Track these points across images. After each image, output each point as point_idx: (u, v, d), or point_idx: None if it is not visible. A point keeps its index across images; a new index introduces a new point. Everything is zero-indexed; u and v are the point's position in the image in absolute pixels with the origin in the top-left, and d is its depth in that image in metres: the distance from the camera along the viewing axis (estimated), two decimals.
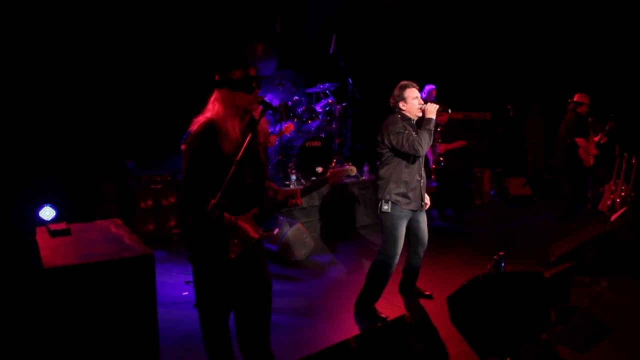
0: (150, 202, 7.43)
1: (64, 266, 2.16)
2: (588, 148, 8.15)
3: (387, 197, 4.87)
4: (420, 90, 5.13)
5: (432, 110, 4.74)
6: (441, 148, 8.69)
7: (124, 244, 2.31)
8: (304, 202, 7.50)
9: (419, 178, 4.97)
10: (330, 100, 8.84)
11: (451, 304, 4.54)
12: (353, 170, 3.95)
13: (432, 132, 4.77)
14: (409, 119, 4.89)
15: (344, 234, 7.94)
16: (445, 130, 8.76)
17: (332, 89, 8.86)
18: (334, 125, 8.89)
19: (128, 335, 2.23)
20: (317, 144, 8.24)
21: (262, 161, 3.54)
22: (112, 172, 7.83)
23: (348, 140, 9.22)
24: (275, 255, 6.55)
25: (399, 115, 4.90)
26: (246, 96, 3.29)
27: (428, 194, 5.24)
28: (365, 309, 5.09)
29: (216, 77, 3.34)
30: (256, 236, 3.40)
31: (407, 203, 4.91)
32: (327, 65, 9.04)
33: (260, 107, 3.34)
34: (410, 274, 5.53)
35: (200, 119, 3.33)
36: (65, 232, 2.58)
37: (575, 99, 8.27)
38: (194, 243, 3.43)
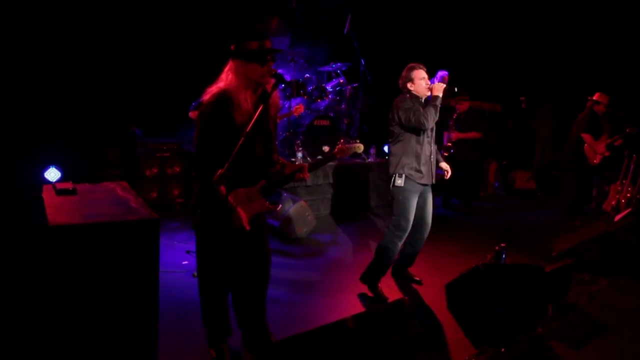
0: (155, 170, 7.42)
1: (68, 225, 2.14)
2: (595, 146, 8.09)
3: (401, 171, 5.01)
4: (433, 75, 5.25)
5: (438, 88, 4.92)
6: (454, 136, 8.63)
7: (129, 207, 2.29)
8: (308, 180, 7.52)
9: (430, 153, 5.12)
10: (341, 80, 8.78)
11: (449, 291, 4.55)
12: (360, 147, 3.95)
13: (438, 109, 4.92)
14: (417, 97, 5.05)
15: (347, 214, 7.94)
16: (463, 118, 8.69)
17: (343, 69, 8.79)
18: (343, 106, 8.84)
19: (128, 297, 2.22)
20: (325, 123, 8.20)
21: (272, 134, 3.53)
22: (118, 138, 7.83)
23: (357, 121, 9.17)
24: (276, 231, 6.56)
25: (408, 95, 5.07)
26: (259, 68, 3.27)
27: (435, 182, 5.26)
28: (371, 284, 5.21)
29: (232, 47, 3.31)
30: (248, 228, 3.38)
31: (420, 177, 5.05)
32: (340, 45, 8.97)
33: (273, 80, 3.32)
34: (407, 256, 5.54)
35: (213, 89, 3.32)
36: (71, 192, 2.57)
37: (594, 98, 8.20)
38: (199, 212, 3.43)
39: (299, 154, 7.73)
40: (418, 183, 5.05)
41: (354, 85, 8.93)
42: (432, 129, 5.11)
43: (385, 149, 9.41)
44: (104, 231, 2.08)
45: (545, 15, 10.98)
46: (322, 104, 8.56)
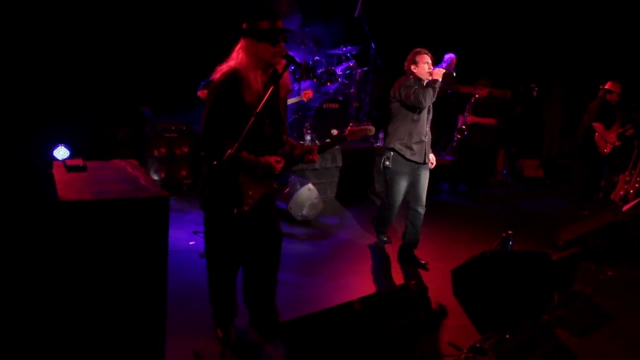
0: (163, 150, 7.42)
1: (78, 201, 2.14)
2: (606, 135, 8.02)
3: (391, 145, 5.36)
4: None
5: (438, 73, 5.20)
6: (470, 119, 8.60)
7: (139, 184, 2.28)
8: (317, 162, 7.51)
9: (425, 134, 5.37)
10: (351, 64, 8.73)
11: (455, 277, 4.55)
12: (372, 130, 3.95)
13: (437, 91, 5.20)
14: (419, 79, 5.31)
15: (354, 198, 7.94)
16: (480, 103, 8.66)
17: (354, 52, 8.74)
18: (352, 90, 8.80)
19: (137, 273, 2.22)
20: (334, 106, 8.18)
21: (282, 115, 3.52)
22: (127, 117, 7.82)
23: (366, 105, 9.14)
24: (283, 213, 6.56)
25: (411, 76, 5.35)
26: (270, 48, 3.25)
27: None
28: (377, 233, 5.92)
29: (243, 26, 3.30)
30: (280, 166, 3.39)
31: (411, 154, 5.31)
32: (351, 28, 8.91)
33: (284, 61, 3.31)
34: (409, 235, 5.61)
35: (224, 68, 3.31)
36: (81, 168, 2.57)
37: (606, 86, 8.12)
38: (208, 192, 3.43)
39: (308, 137, 7.72)
40: (408, 160, 5.29)
41: (364, 69, 8.89)
42: (429, 112, 5.39)
43: None
44: (114, 208, 2.08)
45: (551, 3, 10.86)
46: (331, 87, 8.53)
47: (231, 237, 3.52)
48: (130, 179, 2.36)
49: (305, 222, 6.60)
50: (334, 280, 5.10)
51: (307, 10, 8.96)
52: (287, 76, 3.48)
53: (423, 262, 5.61)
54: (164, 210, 2.16)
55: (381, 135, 8.59)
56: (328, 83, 8.43)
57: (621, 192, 8.08)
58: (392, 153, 5.35)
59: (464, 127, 8.59)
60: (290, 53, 8.76)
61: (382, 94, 9.12)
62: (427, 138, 5.39)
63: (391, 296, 3.42)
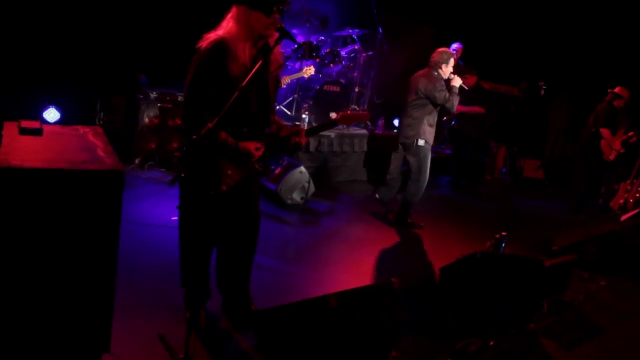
0: (155, 120, 7.19)
1: (19, 168, 1.90)
2: (612, 142, 7.82)
3: (422, 135, 6.07)
4: (447, 47, 6.12)
5: (457, 80, 6.08)
6: (457, 108, 8.38)
7: (95, 155, 2.06)
8: (311, 146, 7.28)
9: (435, 122, 6.27)
10: (356, 47, 8.49)
11: (443, 276, 4.38)
12: (366, 117, 3.73)
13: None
14: (442, 78, 6.06)
15: (347, 185, 7.74)
16: (468, 93, 8.44)
17: (360, 35, 8.48)
18: (355, 74, 8.56)
19: (83, 249, 2.00)
20: (335, 88, 7.94)
21: (270, 92, 3.29)
22: (123, 84, 7.59)
23: (368, 90, 8.90)
24: (272, 195, 6.36)
25: (435, 73, 6.03)
26: (264, 18, 3.01)
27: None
28: (404, 223, 6.35)
29: None
30: (258, 154, 3.18)
31: (431, 137, 6.19)
32: (359, 10, 8.64)
33: (277, 34, 3.08)
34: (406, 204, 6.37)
35: (211, 36, 3.08)
36: (36, 132, 2.32)
37: (615, 90, 7.88)
38: (185, 167, 3.22)
39: (305, 118, 7.49)
40: (428, 142, 6.16)
41: (369, 53, 8.64)
42: None
43: (396, 122, 9.15)
44: (59, 178, 1.86)
45: (568, 3, 10.57)
46: (334, 69, 8.29)
47: (206, 216, 3.32)
48: (87, 148, 2.14)
49: (294, 206, 6.38)
50: (317, 269, 4.91)
51: None
52: (278, 50, 3.25)
53: (421, 224, 6.39)
54: (117, 185, 1.94)
55: (381, 123, 8.37)
56: (331, 65, 8.18)
57: (621, 201, 7.90)
58: (423, 135, 6.05)
59: (452, 120, 8.43)
60: (295, 30, 8.54)
61: (385, 81, 8.89)
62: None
63: (372, 293, 3.23)
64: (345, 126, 3.73)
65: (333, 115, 7.73)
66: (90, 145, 2.18)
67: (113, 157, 2.07)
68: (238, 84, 2.87)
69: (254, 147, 3.18)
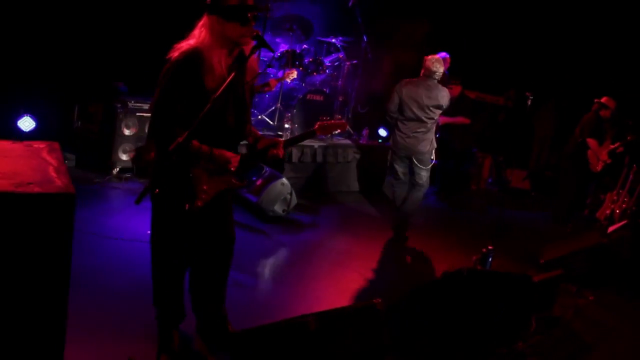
0: (134, 129, 6.99)
1: None
2: (599, 152, 7.75)
3: (433, 148, 6.19)
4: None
5: None
6: (441, 120, 8.26)
7: (46, 175, 1.86)
8: (293, 156, 7.11)
9: None
10: (340, 56, 8.35)
11: (427, 293, 4.23)
12: (344, 126, 3.57)
13: None
14: None
15: (331, 196, 7.58)
16: (453, 103, 8.34)
17: (344, 44, 8.35)
18: (339, 82, 8.43)
19: (27, 283, 1.78)
20: (319, 98, 7.80)
21: (247, 103, 3.12)
22: (101, 92, 7.40)
23: (352, 100, 8.76)
24: (253, 207, 6.17)
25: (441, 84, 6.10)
26: (239, 28, 2.84)
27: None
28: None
29: (207, 1, 2.88)
30: (237, 163, 3.01)
31: None
32: (343, 18, 8.51)
33: (253, 42, 2.92)
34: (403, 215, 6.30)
35: (183, 46, 2.90)
36: None
37: (602, 101, 7.81)
38: (157, 182, 3.05)
39: (288, 128, 7.32)
40: None
41: (354, 62, 8.51)
42: None
43: (381, 131, 9.02)
44: (2, 202, 1.67)
45: (554, 11, 10.53)
46: (317, 77, 8.15)
47: (180, 233, 3.14)
48: (39, 167, 1.94)
49: (276, 219, 6.18)
50: (298, 286, 4.73)
51: None
52: (254, 59, 3.08)
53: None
54: (67, 209, 1.75)
55: (365, 133, 8.23)
56: (314, 73, 8.04)
57: (607, 211, 7.81)
58: (433, 149, 6.17)
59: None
60: (278, 38, 8.37)
61: (370, 90, 8.76)
62: None
63: (354, 315, 3.07)
64: (324, 136, 3.57)
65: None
66: (43, 164, 1.99)
67: (65, 177, 1.88)
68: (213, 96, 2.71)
69: (231, 155, 3.01)
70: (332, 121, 3.44)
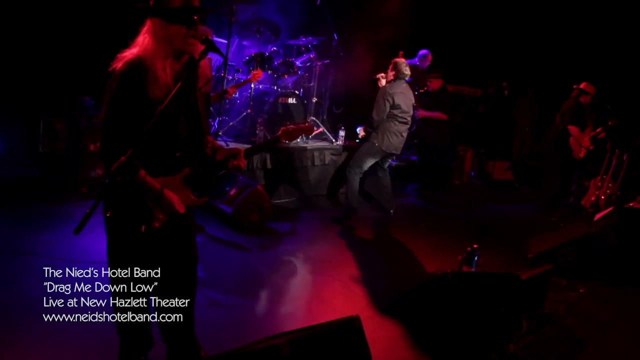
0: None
1: None
2: (581, 139, 7.61)
3: None
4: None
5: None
6: (420, 113, 8.09)
7: None
8: (268, 162, 6.87)
9: None
10: (311, 56, 8.13)
11: (412, 299, 4.04)
12: (311, 130, 3.34)
13: None
14: None
15: (309, 201, 7.35)
16: (432, 96, 8.17)
17: (314, 43, 8.13)
18: (312, 83, 8.21)
19: None
20: (292, 100, 7.56)
21: (200, 112, 2.88)
22: (66, 108, 7.13)
23: (326, 100, 8.54)
24: (228, 218, 5.91)
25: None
26: (184, 31, 2.60)
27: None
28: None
29: (150, 3, 2.64)
30: (182, 210, 2.78)
31: None
32: (312, 18, 8.30)
33: (202, 46, 2.68)
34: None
35: (126, 55, 2.64)
36: None
37: (581, 87, 7.67)
38: (110, 204, 2.80)
39: (260, 134, 7.08)
40: None
41: (325, 61, 8.29)
42: None
43: (359, 130, 8.80)
44: None
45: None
46: (289, 80, 7.92)
47: (138, 258, 2.89)
48: None
49: (251, 229, 5.91)
50: (276, 301, 4.48)
51: None
52: (205, 64, 2.86)
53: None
54: None
55: (342, 134, 8.02)
56: (285, 76, 7.80)
57: (592, 198, 7.69)
58: None
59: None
60: (246, 41, 8.10)
61: (344, 89, 8.55)
62: None
63: (330, 335, 2.84)
64: (290, 142, 3.34)
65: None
66: None
67: None
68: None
69: (182, 200, 2.78)
70: (297, 126, 3.21)
